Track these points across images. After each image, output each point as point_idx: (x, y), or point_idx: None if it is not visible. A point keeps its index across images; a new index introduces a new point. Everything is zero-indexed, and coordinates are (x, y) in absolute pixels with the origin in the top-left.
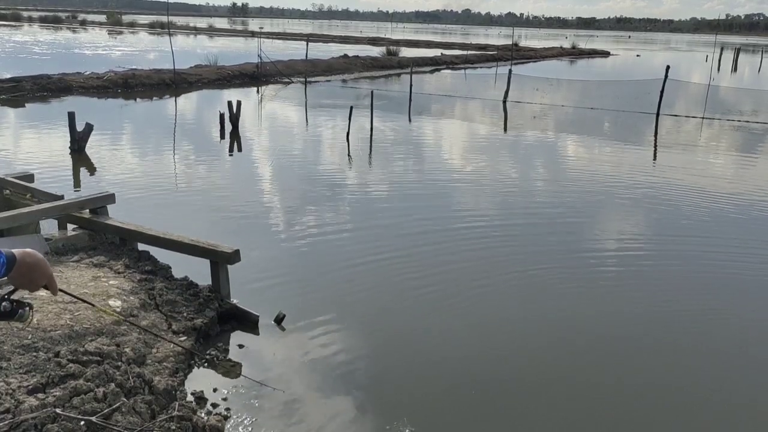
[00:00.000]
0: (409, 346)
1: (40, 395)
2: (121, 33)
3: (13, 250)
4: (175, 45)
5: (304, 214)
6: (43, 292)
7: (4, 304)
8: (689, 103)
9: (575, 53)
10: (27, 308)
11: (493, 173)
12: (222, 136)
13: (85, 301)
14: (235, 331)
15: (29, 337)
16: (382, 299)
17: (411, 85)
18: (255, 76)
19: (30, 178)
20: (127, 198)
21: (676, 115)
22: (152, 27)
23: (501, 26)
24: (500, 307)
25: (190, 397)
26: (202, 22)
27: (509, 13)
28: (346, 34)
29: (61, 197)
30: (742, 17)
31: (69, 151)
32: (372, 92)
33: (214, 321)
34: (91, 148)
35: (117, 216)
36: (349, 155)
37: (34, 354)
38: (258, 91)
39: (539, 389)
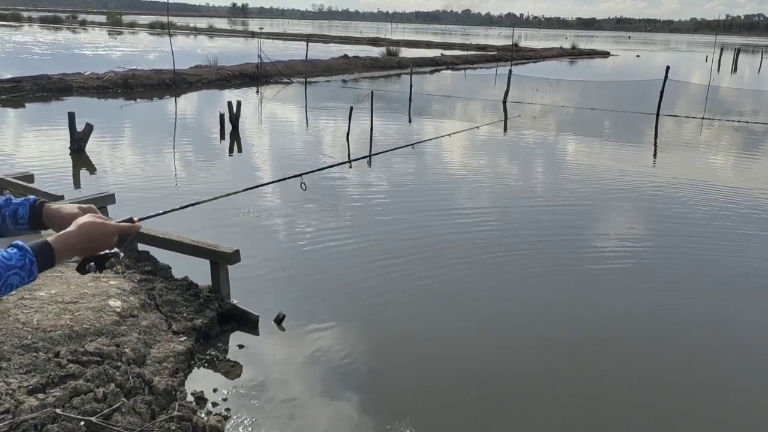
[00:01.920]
0: (409, 345)
1: (40, 395)
2: (121, 33)
3: (48, 238)
4: (175, 45)
5: (304, 214)
6: (43, 292)
7: (89, 264)
8: (689, 103)
9: (575, 54)
10: (113, 257)
11: (493, 174)
12: (222, 137)
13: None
14: (235, 331)
15: (29, 337)
16: (382, 299)
17: (411, 86)
18: (255, 76)
19: (30, 178)
20: (127, 198)
21: (676, 116)
22: (152, 27)
23: (501, 27)
24: (501, 306)
25: (190, 398)
26: (202, 23)
27: (509, 13)
28: (346, 35)
29: (62, 197)
30: (742, 18)
31: (69, 151)
32: (372, 93)
33: (214, 321)
34: (91, 149)
35: (117, 216)
36: (349, 156)
37: (34, 354)
38: (258, 92)
39: (540, 388)
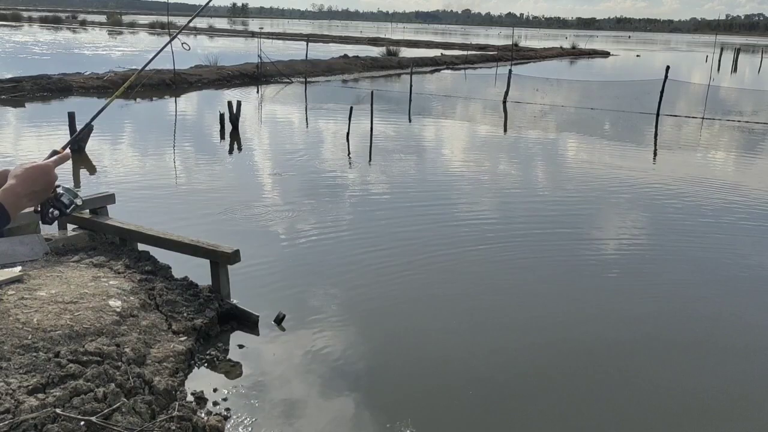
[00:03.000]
0: (409, 345)
1: (40, 395)
2: (121, 33)
3: None
4: (175, 45)
5: (304, 214)
6: (43, 292)
7: (49, 211)
8: (689, 103)
9: (575, 53)
10: (63, 195)
11: (494, 173)
12: (222, 137)
13: None
14: (235, 331)
15: (29, 337)
16: (382, 299)
17: (411, 86)
18: (255, 76)
19: None
20: (127, 198)
21: (676, 116)
22: (152, 27)
23: (501, 26)
24: (501, 306)
25: (190, 397)
26: (202, 23)
27: (509, 13)
28: (346, 35)
29: None
30: (742, 17)
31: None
32: (372, 92)
33: (214, 321)
34: (91, 149)
35: (117, 216)
36: (349, 156)
37: (34, 354)
38: (258, 92)
39: (540, 387)
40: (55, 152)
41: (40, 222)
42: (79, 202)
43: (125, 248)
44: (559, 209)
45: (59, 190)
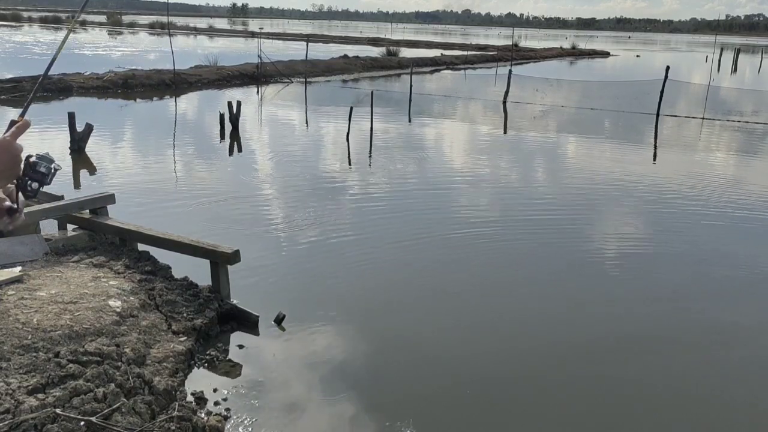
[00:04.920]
0: (409, 345)
1: (40, 395)
2: (121, 33)
3: None
4: (175, 45)
5: (304, 214)
6: (43, 292)
7: (27, 184)
8: (689, 103)
9: (575, 54)
10: (38, 164)
11: (493, 174)
12: (222, 137)
13: None
14: (235, 331)
15: (29, 337)
16: (382, 299)
17: (411, 86)
18: (255, 76)
19: None
20: (127, 198)
21: (676, 116)
22: (152, 27)
23: (501, 27)
24: (502, 307)
25: (190, 398)
26: (202, 23)
27: (509, 13)
28: (346, 35)
29: (61, 197)
30: (742, 18)
31: (69, 151)
32: (372, 93)
33: (214, 321)
34: (91, 149)
35: (117, 216)
36: (349, 156)
37: (34, 354)
38: (258, 92)
39: (541, 388)
40: (13, 122)
41: (39, 222)
42: (56, 166)
43: (125, 248)
44: (558, 209)
45: (33, 160)
